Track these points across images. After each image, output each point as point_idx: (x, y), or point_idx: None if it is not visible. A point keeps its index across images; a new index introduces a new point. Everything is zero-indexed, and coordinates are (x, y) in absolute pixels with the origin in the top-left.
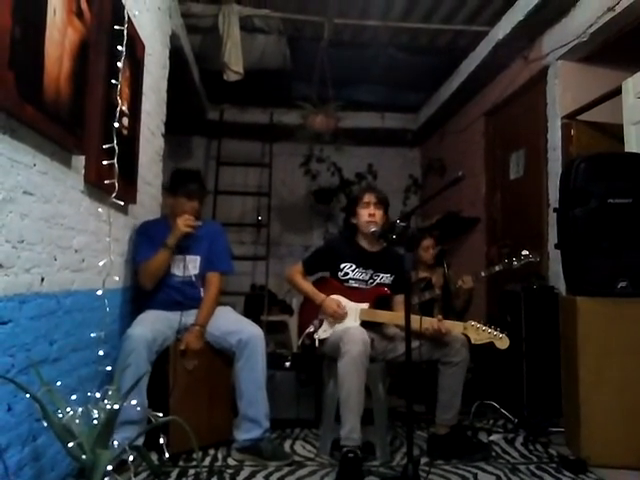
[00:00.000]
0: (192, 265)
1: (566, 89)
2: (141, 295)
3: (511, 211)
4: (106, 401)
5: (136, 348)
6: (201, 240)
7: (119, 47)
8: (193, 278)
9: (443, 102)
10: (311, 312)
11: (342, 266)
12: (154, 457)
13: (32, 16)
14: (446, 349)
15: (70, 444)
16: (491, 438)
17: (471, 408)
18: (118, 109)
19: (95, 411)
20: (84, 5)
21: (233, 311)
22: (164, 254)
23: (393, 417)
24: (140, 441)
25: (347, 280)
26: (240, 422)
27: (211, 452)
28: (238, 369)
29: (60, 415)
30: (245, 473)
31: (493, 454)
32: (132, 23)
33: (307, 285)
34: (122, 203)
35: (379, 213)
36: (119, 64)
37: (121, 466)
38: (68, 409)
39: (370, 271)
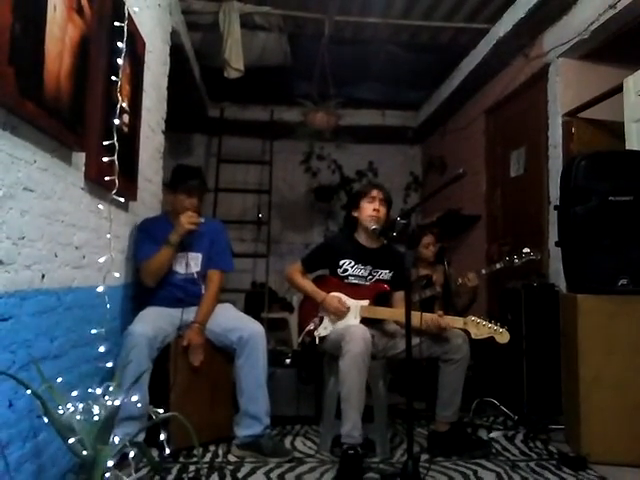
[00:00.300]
0: (194, 262)
1: (567, 87)
2: (142, 292)
3: (512, 209)
4: (107, 397)
5: (137, 345)
6: (203, 238)
7: (119, 44)
8: (195, 275)
9: (444, 100)
10: (311, 310)
11: (341, 262)
12: (155, 453)
13: (32, 12)
14: (447, 346)
15: (71, 440)
16: (491, 435)
17: (471, 405)
18: (118, 106)
19: (96, 407)
20: (84, 1)
21: (234, 308)
22: (167, 251)
23: (393, 414)
24: (141, 437)
25: (346, 277)
26: (241, 419)
27: (212, 448)
28: (239, 366)
29: (61, 411)
30: (245, 469)
31: (493, 451)
32: (132, 20)
33: (307, 284)
34: (122, 200)
35: (383, 211)
36: (119, 61)
37: (122, 462)
38: (69, 405)
39: (369, 267)
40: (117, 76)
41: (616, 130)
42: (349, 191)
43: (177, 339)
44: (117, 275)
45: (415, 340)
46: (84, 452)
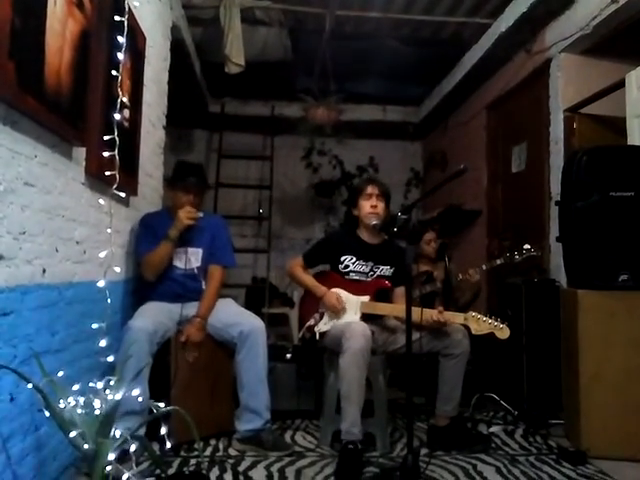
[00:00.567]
0: (194, 258)
1: (569, 82)
2: (143, 287)
3: (513, 204)
4: (108, 391)
5: (137, 340)
6: (203, 233)
7: (120, 38)
8: (195, 271)
9: (445, 95)
10: (312, 305)
11: (342, 258)
12: (156, 447)
13: (32, 6)
14: (447, 341)
15: (72, 434)
16: (491, 430)
17: (471, 400)
18: (119, 100)
19: (97, 401)
20: None
21: (234, 303)
22: (166, 246)
23: (393, 409)
24: (142, 431)
25: (347, 272)
26: (241, 413)
27: (212, 442)
28: (239, 361)
29: (62, 405)
30: (246, 463)
31: (493, 446)
32: (133, 14)
33: (308, 278)
34: (123, 195)
35: (381, 205)
36: (120, 55)
37: (123, 456)
38: (70, 399)
39: (370, 263)
40: (117, 71)
41: (618, 126)
42: (350, 186)
43: (177, 334)
44: (118, 270)
45: (415, 335)
46: (85, 446)
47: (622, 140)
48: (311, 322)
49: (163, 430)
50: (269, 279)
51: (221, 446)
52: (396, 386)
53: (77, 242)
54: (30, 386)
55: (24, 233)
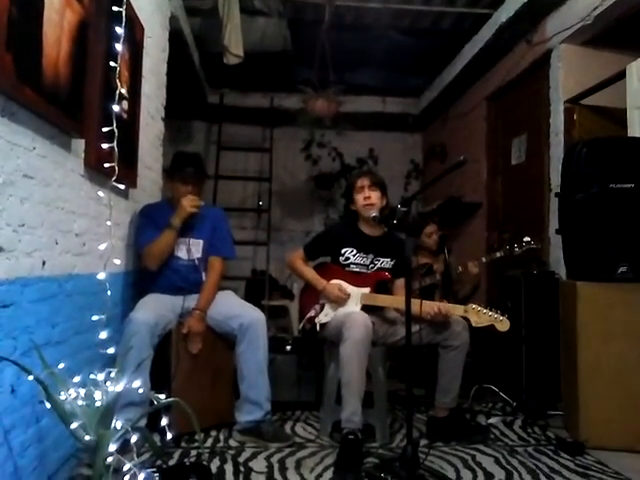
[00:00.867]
0: (195, 248)
1: (569, 73)
2: (143, 279)
3: (512, 196)
4: (108, 383)
5: (138, 332)
6: (204, 224)
7: (118, 29)
8: (196, 262)
9: (445, 86)
10: (312, 297)
11: (343, 251)
12: (157, 438)
13: None
14: (446, 333)
15: (73, 425)
16: (490, 421)
17: (470, 392)
18: (117, 92)
19: (98, 393)
20: None
21: (235, 295)
22: (169, 235)
23: (393, 400)
24: (142, 423)
25: (348, 265)
26: (241, 404)
27: (213, 433)
28: (240, 352)
29: (63, 397)
30: (246, 454)
31: (491, 436)
32: (131, 5)
33: (308, 271)
34: (122, 187)
35: (375, 195)
36: (118, 46)
37: (124, 447)
38: (71, 391)
39: (371, 256)
40: (116, 62)
41: (618, 117)
42: (349, 179)
43: (178, 326)
44: (118, 262)
45: (415, 327)
46: (86, 437)
47: (622, 131)
48: (311, 313)
49: (164, 421)
50: (269, 271)
51: (222, 437)
52: (396, 378)
53: (76, 234)
54: (31, 378)
55: (23, 225)
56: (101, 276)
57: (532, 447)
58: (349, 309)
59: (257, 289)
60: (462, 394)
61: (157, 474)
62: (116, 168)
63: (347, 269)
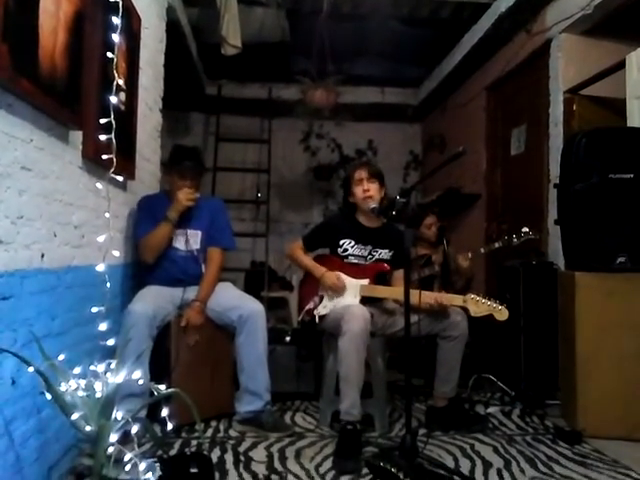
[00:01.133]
0: (193, 240)
1: (569, 63)
2: (142, 271)
3: (512, 187)
4: (108, 374)
5: (137, 323)
6: (202, 214)
7: (115, 19)
8: (195, 252)
9: (444, 76)
10: (311, 288)
11: (341, 242)
12: (157, 429)
13: None
14: (445, 323)
15: (74, 416)
16: (488, 410)
17: (469, 381)
18: (115, 83)
19: (98, 384)
20: None
21: (234, 287)
22: (165, 227)
23: (392, 390)
24: (143, 413)
25: (346, 256)
26: (241, 395)
27: (213, 424)
28: (239, 344)
29: (63, 388)
30: (247, 444)
31: (490, 426)
32: None
33: (307, 260)
34: (120, 179)
35: (374, 187)
36: (115, 37)
37: (125, 437)
38: (71, 382)
39: (369, 247)
40: (113, 53)
41: (618, 107)
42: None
43: (177, 318)
44: (117, 254)
45: (414, 318)
46: (87, 428)
47: (622, 122)
48: (310, 305)
49: (164, 412)
50: (268, 263)
51: (222, 427)
52: (395, 368)
53: (75, 226)
54: (31, 370)
55: (22, 218)
56: (100, 268)
57: (530, 436)
58: (348, 301)
59: (256, 281)
60: (461, 384)
61: (158, 464)
62: (114, 160)
63: (345, 260)
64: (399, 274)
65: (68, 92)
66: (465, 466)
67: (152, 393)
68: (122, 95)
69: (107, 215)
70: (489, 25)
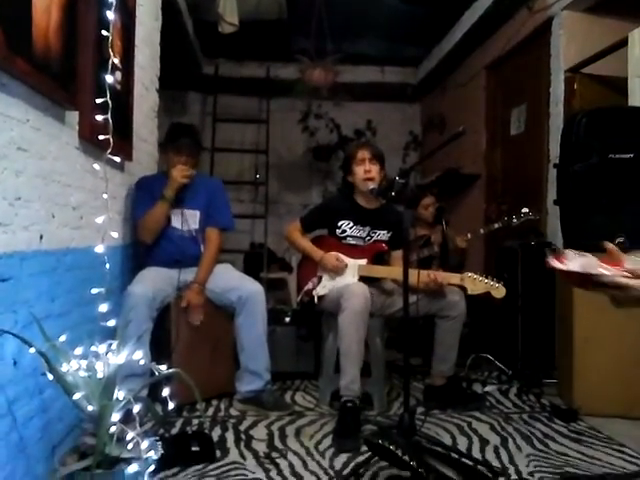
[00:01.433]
0: (192, 220)
1: (571, 41)
2: (141, 252)
3: (511, 167)
4: (110, 355)
5: (137, 305)
6: (199, 194)
7: None
8: (194, 233)
9: (444, 55)
10: (310, 270)
11: (340, 223)
12: (158, 408)
13: None
14: (443, 303)
15: (76, 396)
16: (486, 389)
17: (466, 360)
18: (110, 62)
19: (99, 365)
20: None
21: (233, 268)
22: (162, 206)
23: (390, 370)
24: (144, 393)
25: (345, 237)
26: (242, 375)
27: (214, 403)
28: (239, 324)
29: (65, 369)
30: (247, 423)
31: (487, 404)
32: None
33: (305, 242)
34: (118, 160)
35: (375, 169)
36: (110, 14)
37: (127, 417)
38: (73, 363)
39: (367, 228)
40: (108, 31)
41: (619, 86)
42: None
43: (177, 299)
44: (115, 235)
45: (412, 298)
46: (89, 408)
47: (623, 101)
48: (309, 286)
49: (165, 392)
50: (267, 244)
51: (222, 407)
52: (393, 348)
53: (73, 208)
54: (32, 351)
55: (19, 199)
56: (99, 249)
57: (527, 414)
58: (346, 280)
59: (255, 262)
60: (459, 363)
61: (160, 442)
62: (111, 140)
63: (344, 242)
64: (398, 255)
65: (63, 71)
66: (462, 443)
67: (153, 373)
68: (118, 74)
69: (105, 196)
70: (490, 2)
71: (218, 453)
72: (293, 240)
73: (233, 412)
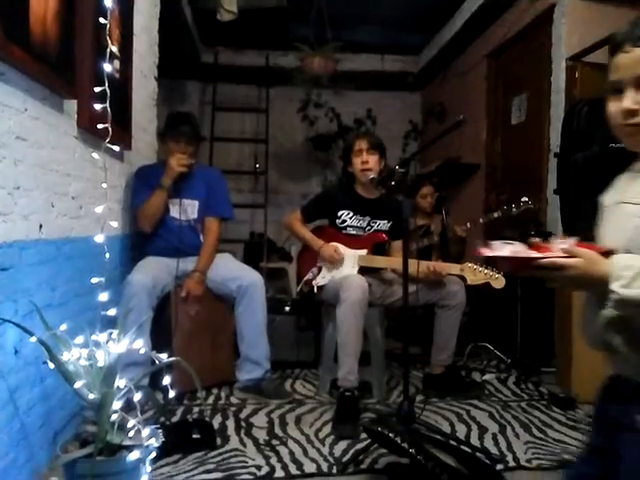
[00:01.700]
0: (191, 209)
1: (572, 29)
2: (141, 242)
3: (512, 157)
4: (110, 344)
5: (137, 293)
6: (198, 183)
7: None
8: (192, 222)
9: (445, 43)
10: (309, 259)
11: (340, 213)
12: (159, 397)
13: None
14: (443, 292)
15: (77, 384)
16: (484, 377)
17: (465, 349)
18: (108, 50)
19: (100, 353)
20: None
21: (233, 258)
22: (160, 195)
23: (390, 358)
24: (145, 382)
25: (345, 227)
26: (242, 363)
27: (214, 391)
28: (239, 314)
29: (66, 358)
30: (247, 410)
31: (486, 392)
32: None
33: (305, 232)
34: (117, 149)
35: (373, 159)
36: (107, 2)
37: (128, 405)
38: (74, 351)
39: (367, 218)
40: (105, 18)
41: None
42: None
43: (177, 288)
44: (115, 225)
45: (412, 287)
46: (90, 396)
47: None
48: (309, 276)
49: (166, 380)
50: (267, 234)
51: (223, 395)
52: (393, 337)
53: (73, 197)
54: (33, 339)
55: (18, 188)
56: (99, 239)
57: (525, 402)
58: (346, 271)
59: (255, 252)
60: (458, 352)
61: (161, 430)
62: (110, 129)
63: (344, 232)
64: (398, 244)
65: (61, 60)
66: (461, 431)
67: (154, 362)
68: (116, 63)
69: (104, 186)
70: None
71: (219, 440)
72: (293, 229)
73: (233, 400)
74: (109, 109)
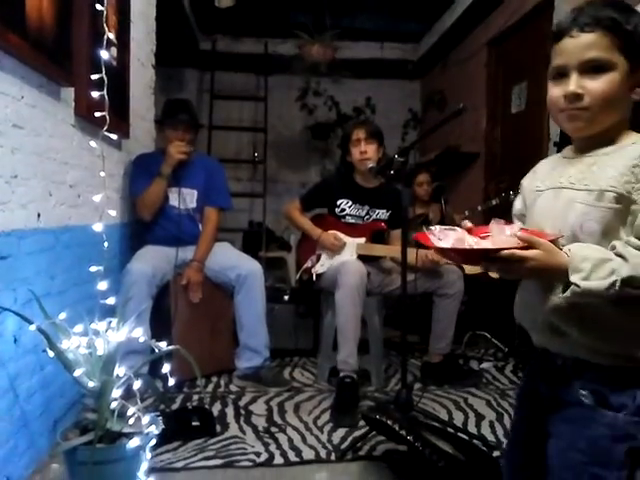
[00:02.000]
0: (189, 198)
1: None
2: (140, 230)
3: (511, 146)
4: (109, 332)
5: (136, 282)
6: (197, 172)
7: None
8: (191, 211)
9: (445, 31)
10: (308, 248)
11: (339, 202)
12: (159, 385)
13: None
14: (441, 281)
15: (77, 372)
16: (482, 366)
17: (463, 338)
18: (105, 37)
19: (99, 341)
20: None
21: (232, 247)
22: (159, 183)
23: (388, 347)
24: (144, 370)
25: (344, 216)
26: (241, 352)
27: (214, 379)
28: (238, 302)
29: (65, 346)
30: (247, 398)
31: (483, 381)
32: None
33: (304, 221)
34: (115, 137)
35: (371, 148)
36: None
37: (127, 393)
38: (73, 339)
39: (366, 207)
40: (102, 5)
41: None
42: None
43: (176, 277)
44: (113, 214)
45: (410, 276)
46: (90, 384)
47: None
48: (308, 264)
49: (166, 368)
50: (265, 223)
51: (222, 383)
52: (391, 325)
53: (70, 186)
54: (33, 328)
55: (16, 177)
56: (97, 227)
57: None
58: (345, 259)
59: (254, 241)
60: (456, 340)
61: (161, 417)
62: (107, 117)
63: (343, 220)
64: (397, 233)
65: (58, 47)
66: (458, 418)
67: (153, 350)
68: (113, 50)
69: (102, 174)
70: None
71: (218, 428)
72: (292, 218)
73: (233, 388)
74: (106, 97)
